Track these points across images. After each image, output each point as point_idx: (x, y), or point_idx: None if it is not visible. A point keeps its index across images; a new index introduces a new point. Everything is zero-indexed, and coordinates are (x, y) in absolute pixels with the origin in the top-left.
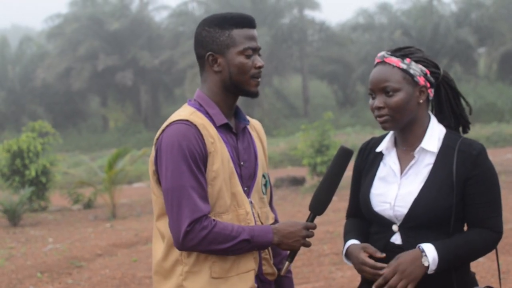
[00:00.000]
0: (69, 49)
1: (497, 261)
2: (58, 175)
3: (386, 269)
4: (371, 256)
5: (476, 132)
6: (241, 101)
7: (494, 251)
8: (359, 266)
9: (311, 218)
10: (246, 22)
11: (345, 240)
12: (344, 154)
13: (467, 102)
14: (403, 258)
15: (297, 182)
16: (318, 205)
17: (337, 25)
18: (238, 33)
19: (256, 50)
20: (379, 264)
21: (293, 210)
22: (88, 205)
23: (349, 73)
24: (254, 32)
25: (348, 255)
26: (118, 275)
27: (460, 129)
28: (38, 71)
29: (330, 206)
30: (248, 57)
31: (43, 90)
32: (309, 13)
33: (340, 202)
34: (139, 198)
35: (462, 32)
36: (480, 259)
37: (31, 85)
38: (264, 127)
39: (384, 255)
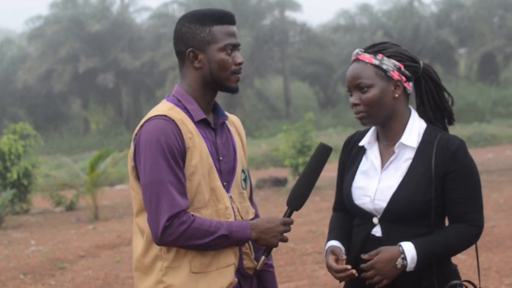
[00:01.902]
0: (50, 51)
1: (477, 256)
2: (40, 177)
3: (367, 263)
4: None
5: (457, 132)
6: (222, 103)
7: (474, 247)
8: (328, 269)
9: (288, 213)
10: (226, 18)
11: (327, 239)
12: (323, 151)
13: (448, 93)
14: (382, 256)
15: (279, 182)
16: (296, 200)
17: (318, 26)
18: (218, 29)
19: (236, 46)
20: (340, 267)
21: (275, 210)
22: (70, 207)
23: (330, 74)
24: (234, 28)
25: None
26: (101, 276)
27: (446, 121)
28: (19, 73)
29: (312, 206)
30: (229, 53)
31: (24, 92)
32: (290, 14)
33: (322, 202)
34: (122, 200)
35: (442, 32)
36: (462, 256)
37: (12, 88)
38: (246, 128)
39: (345, 257)
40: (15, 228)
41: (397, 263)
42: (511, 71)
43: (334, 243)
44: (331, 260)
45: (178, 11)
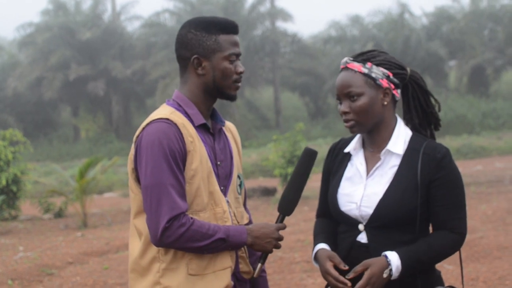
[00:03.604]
0: (41, 59)
1: (461, 264)
2: (29, 184)
3: (362, 282)
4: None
5: (447, 144)
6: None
7: (467, 254)
8: (323, 274)
9: (280, 219)
10: (231, 28)
11: (315, 243)
12: (309, 155)
13: (435, 99)
14: (375, 269)
15: (269, 192)
16: (287, 206)
17: (309, 37)
18: (224, 38)
19: (238, 56)
20: (342, 279)
21: (264, 219)
22: (59, 214)
23: (320, 85)
24: (237, 38)
25: (317, 259)
26: (89, 282)
27: (432, 127)
28: (9, 80)
29: (300, 215)
30: (232, 62)
31: (14, 99)
32: (281, 25)
33: (310, 212)
34: (110, 208)
35: (433, 45)
36: (449, 266)
37: (2, 94)
38: None
39: (347, 267)
40: (3, 234)
41: (384, 272)
42: (501, 83)
43: (324, 246)
44: (330, 266)
45: (169, 20)
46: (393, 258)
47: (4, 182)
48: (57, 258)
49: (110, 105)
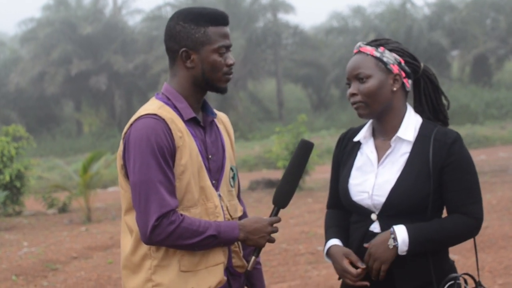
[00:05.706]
0: (43, 54)
1: (475, 252)
2: (33, 179)
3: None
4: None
5: None
6: (215, 105)
7: (472, 245)
8: (341, 272)
9: (275, 212)
10: (221, 19)
11: (327, 237)
12: (305, 147)
13: (445, 97)
14: (375, 240)
15: (272, 184)
16: (282, 198)
17: (311, 28)
18: (213, 30)
19: (228, 48)
20: (359, 272)
21: (268, 212)
22: (63, 209)
23: (323, 76)
24: (228, 29)
25: (330, 255)
26: (93, 277)
27: (440, 124)
28: (12, 76)
29: (305, 207)
30: (221, 55)
31: (16, 94)
32: (283, 16)
33: (315, 203)
34: (114, 202)
35: (435, 35)
36: (454, 256)
37: (5, 90)
38: (239, 130)
39: (364, 266)
40: (7, 230)
41: (388, 243)
42: (503, 73)
43: (337, 242)
44: (348, 264)
45: (171, 14)
46: (400, 230)
47: (7, 178)
48: (61, 253)
49: (113, 100)
